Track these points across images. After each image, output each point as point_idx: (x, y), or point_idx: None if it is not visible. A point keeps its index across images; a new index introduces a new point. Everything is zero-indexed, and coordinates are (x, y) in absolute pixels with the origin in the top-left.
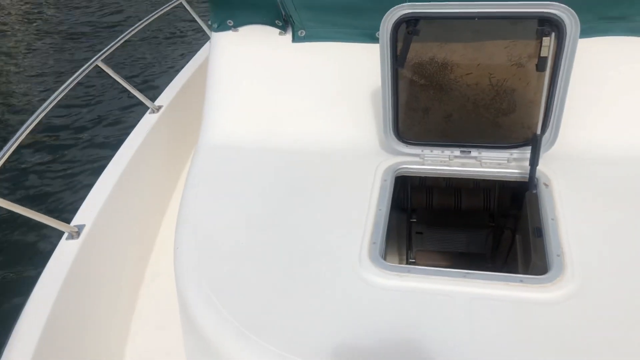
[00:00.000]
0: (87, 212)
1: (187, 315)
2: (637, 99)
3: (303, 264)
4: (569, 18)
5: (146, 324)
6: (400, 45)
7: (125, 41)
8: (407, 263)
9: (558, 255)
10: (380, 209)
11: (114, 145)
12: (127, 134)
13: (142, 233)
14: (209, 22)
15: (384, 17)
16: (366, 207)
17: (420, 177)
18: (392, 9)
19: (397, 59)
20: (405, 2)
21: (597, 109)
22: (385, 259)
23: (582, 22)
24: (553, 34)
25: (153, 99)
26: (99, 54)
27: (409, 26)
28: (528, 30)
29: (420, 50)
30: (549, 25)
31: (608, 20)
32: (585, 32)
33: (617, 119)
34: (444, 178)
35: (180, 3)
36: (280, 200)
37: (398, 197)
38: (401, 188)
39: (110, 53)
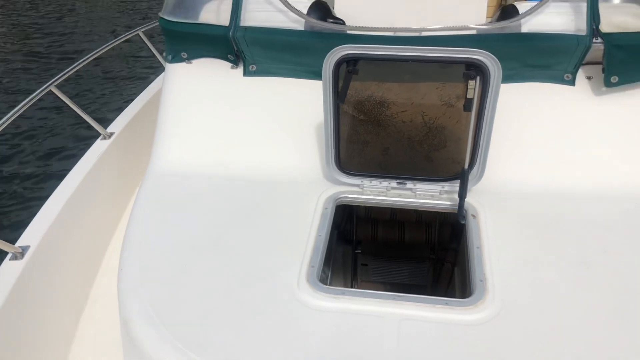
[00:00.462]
0: (33, 233)
1: (128, 333)
2: (555, 140)
3: (243, 286)
4: (492, 64)
5: (87, 346)
6: (341, 82)
7: (80, 70)
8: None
9: (481, 280)
10: (320, 235)
11: (64, 169)
12: (78, 160)
13: (87, 256)
14: (164, 54)
15: (327, 56)
16: (307, 233)
17: (366, 210)
18: (334, 49)
19: (339, 95)
20: (346, 44)
21: (521, 149)
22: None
23: (509, 68)
24: (478, 78)
25: (105, 127)
26: (53, 79)
27: (349, 65)
28: (456, 73)
29: (359, 88)
30: (474, 69)
31: (531, 68)
32: (511, 78)
33: (537, 158)
34: (389, 211)
35: (137, 34)
36: (224, 226)
37: (344, 229)
38: (347, 220)
39: (65, 80)
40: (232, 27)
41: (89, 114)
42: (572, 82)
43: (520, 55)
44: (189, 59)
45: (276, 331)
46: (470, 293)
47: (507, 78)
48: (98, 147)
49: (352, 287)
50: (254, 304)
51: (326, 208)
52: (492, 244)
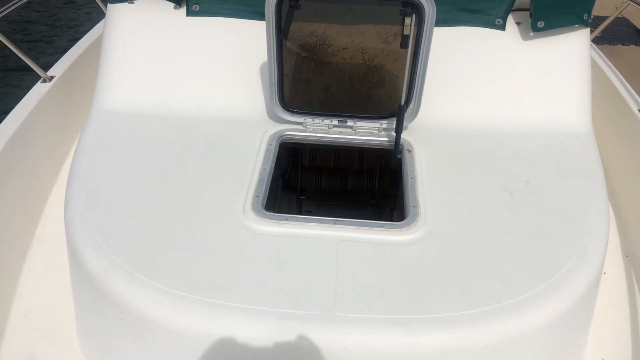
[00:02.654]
0: None
1: (76, 260)
2: (485, 82)
3: (190, 215)
4: (427, 2)
5: (35, 283)
6: (284, 19)
7: (15, 13)
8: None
9: (414, 206)
10: (264, 168)
11: (1, 112)
12: (16, 103)
13: (30, 199)
14: None
15: None
16: (252, 166)
17: (310, 158)
18: None
19: (281, 31)
20: None
21: (454, 88)
22: None
23: (443, 12)
24: (414, 15)
25: (45, 70)
26: None
27: (291, 1)
28: (393, 12)
29: (302, 25)
30: (410, 7)
31: (465, 12)
32: (446, 22)
33: (469, 98)
34: (332, 159)
35: None
36: (170, 161)
37: (289, 177)
38: (292, 169)
39: (1, 20)
40: None
41: (27, 55)
42: (502, 27)
43: None
44: None
45: (222, 254)
46: (404, 217)
47: (442, 22)
48: (38, 90)
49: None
50: (201, 230)
51: (270, 144)
52: (425, 175)
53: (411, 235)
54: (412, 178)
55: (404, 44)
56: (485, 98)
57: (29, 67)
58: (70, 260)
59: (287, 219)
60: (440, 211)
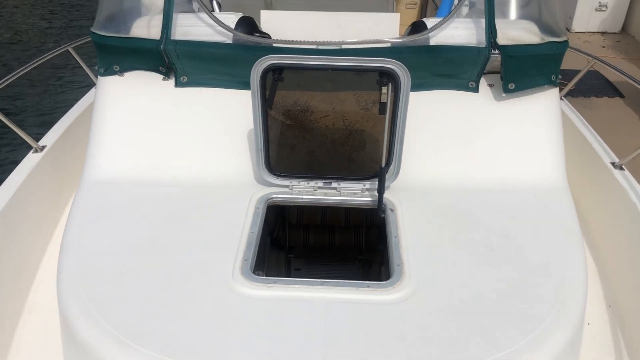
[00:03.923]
0: None
1: (69, 331)
2: (462, 142)
3: (180, 280)
4: (401, 71)
5: (25, 354)
6: (268, 90)
7: (8, 85)
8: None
9: (398, 265)
10: (252, 232)
11: None
12: (8, 174)
13: (21, 270)
14: (96, 68)
15: (254, 65)
16: (240, 230)
17: (297, 216)
18: (261, 58)
19: (266, 101)
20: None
21: (433, 149)
22: None
23: (419, 77)
24: (390, 84)
25: (37, 140)
26: None
27: (275, 74)
28: (371, 81)
29: (285, 96)
30: (386, 77)
31: (439, 77)
32: (422, 86)
33: (447, 157)
34: (319, 216)
35: (67, 50)
36: (159, 228)
37: (277, 235)
38: (280, 227)
39: None
40: (163, 41)
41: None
42: (475, 89)
43: (429, 65)
44: (120, 71)
45: (212, 320)
46: (389, 276)
47: (418, 86)
48: (29, 161)
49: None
50: (191, 297)
51: (258, 207)
52: (408, 233)
53: (397, 294)
54: (395, 237)
55: (382, 110)
56: (462, 157)
57: (20, 137)
58: (62, 329)
59: (275, 282)
60: (424, 268)
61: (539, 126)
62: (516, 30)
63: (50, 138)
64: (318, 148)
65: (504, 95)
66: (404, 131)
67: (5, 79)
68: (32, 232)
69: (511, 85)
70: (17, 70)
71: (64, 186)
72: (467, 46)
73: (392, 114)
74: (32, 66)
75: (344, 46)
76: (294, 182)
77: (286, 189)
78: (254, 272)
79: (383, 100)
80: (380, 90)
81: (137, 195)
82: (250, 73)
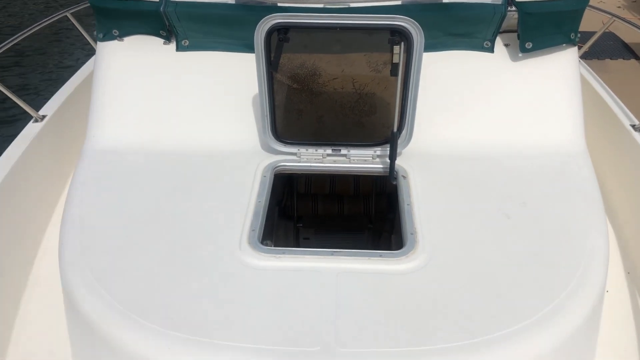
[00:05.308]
0: None
1: (71, 304)
2: (477, 105)
3: (186, 251)
4: (414, 29)
5: (30, 327)
6: (273, 52)
7: (6, 54)
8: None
9: (411, 234)
10: (259, 201)
11: None
12: (8, 145)
13: (23, 242)
14: (95, 33)
15: (258, 25)
16: (247, 199)
17: (306, 186)
18: (265, 18)
19: (271, 63)
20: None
21: (447, 113)
22: None
23: (432, 37)
24: (402, 43)
25: (36, 110)
26: None
27: (280, 34)
28: (383, 41)
29: (292, 57)
30: (398, 35)
31: (453, 37)
32: (435, 46)
33: (461, 121)
34: (328, 185)
35: (65, 16)
36: (164, 198)
37: (286, 205)
38: (288, 197)
39: None
40: (163, 2)
41: (18, 95)
42: (491, 49)
43: (443, 24)
44: (120, 36)
45: (219, 292)
46: (402, 245)
47: (431, 47)
48: (30, 131)
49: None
50: (197, 267)
51: (265, 176)
52: (421, 201)
53: (410, 263)
54: (408, 205)
55: (393, 72)
56: (477, 121)
57: (18, 107)
58: (66, 303)
59: (283, 252)
60: (438, 237)
61: (557, 88)
62: None
63: (50, 107)
64: (326, 113)
65: (520, 55)
66: (417, 94)
67: (2, 45)
68: (35, 203)
69: (528, 45)
70: (14, 37)
71: (65, 156)
72: (482, 3)
73: (405, 75)
74: (30, 32)
75: (352, 4)
76: (302, 150)
77: (294, 157)
78: (262, 242)
79: (395, 60)
80: (391, 50)
81: (139, 164)
82: (254, 34)
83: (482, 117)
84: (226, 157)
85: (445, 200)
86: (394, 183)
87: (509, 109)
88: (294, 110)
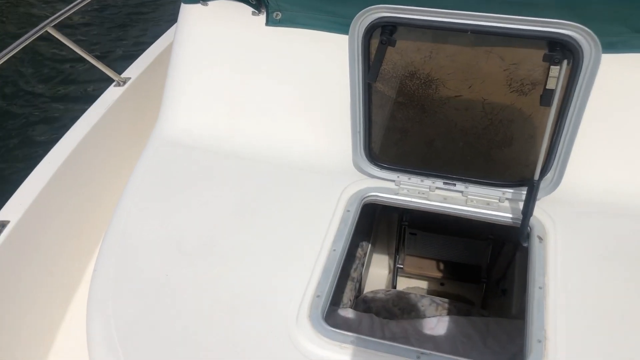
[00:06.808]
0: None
1: (90, 356)
2: None
3: (227, 313)
4: (588, 43)
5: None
6: (372, 54)
7: (80, 13)
8: (395, 269)
9: (539, 341)
10: (334, 249)
11: (75, 116)
12: (89, 106)
13: (92, 209)
14: None
15: (354, 19)
16: (320, 243)
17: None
18: (365, 10)
19: (369, 72)
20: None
21: (616, 146)
22: (370, 261)
23: (612, 34)
24: (565, 62)
25: (119, 73)
26: (50, 18)
27: (383, 33)
28: (535, 52)
29: (398, 62)
30: (560, 50)
31: None
32: (614, 46)
33: (635, 160)
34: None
35: None
36: (221, 224)
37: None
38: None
39: (67, 24)
40: None
41: (98, 58)
42: None
43: (628, 16)
44: (205, 0)
45: None
46: (525, 356)
47: (609, 46)
48: (110, 95)
49: (395, 260)
50: (237, 342)
51: (348, 210)
52: (561, 284)
53: None
54: (540, 288)
55: (545, 100)
56: None
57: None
58: (88, 348)
59: (350, 341)
60: (579, 354)
61: None
62: None
63: (134, 71)
64: (441, 137)
65: None
66: (576, 130)
67: (75, 3)
68: (110, 166)
69: None
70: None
71: (146, 122)
72: None
73: (562, 105)
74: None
75: None
76: (403, 177)
77: (390, 185)
78: (330, 306)
79: (550, 85)
80: (548, 69)
81: (204, 168)
82: (349, 29)
83: None
84: (304, 172)
85: (598, 285)
86: (525, 245)
87: None
88: (396, 129)
